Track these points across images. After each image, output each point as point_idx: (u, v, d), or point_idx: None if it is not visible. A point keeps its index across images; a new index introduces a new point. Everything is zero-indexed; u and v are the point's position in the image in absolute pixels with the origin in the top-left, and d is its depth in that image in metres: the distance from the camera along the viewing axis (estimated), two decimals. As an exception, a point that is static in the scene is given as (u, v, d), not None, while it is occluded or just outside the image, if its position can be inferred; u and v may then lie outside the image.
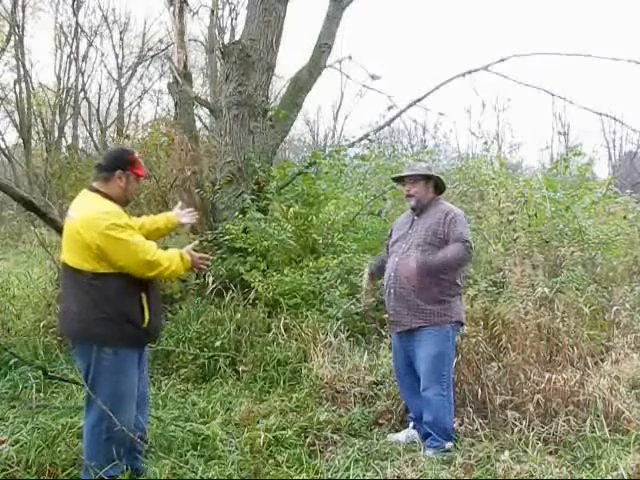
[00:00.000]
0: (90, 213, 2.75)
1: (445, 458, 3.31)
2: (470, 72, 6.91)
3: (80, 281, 2.76)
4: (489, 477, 3.09)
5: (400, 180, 3.85)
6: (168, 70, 19.17)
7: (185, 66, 7.50)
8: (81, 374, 2.95)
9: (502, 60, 6.84)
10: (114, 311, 2.74)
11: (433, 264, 3.44)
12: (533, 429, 3.47)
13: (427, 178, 3.67)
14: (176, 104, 7.40)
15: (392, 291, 3.59)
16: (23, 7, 20.44)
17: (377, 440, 3.57)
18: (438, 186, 3.73)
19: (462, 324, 3.68)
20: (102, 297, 2.72)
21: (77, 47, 22.13)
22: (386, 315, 5.01)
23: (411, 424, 3.65)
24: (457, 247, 3.44)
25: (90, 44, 22.72)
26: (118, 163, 2.91)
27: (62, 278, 2.99)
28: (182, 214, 3.34)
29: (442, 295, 3.51)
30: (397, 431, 3.70)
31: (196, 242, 3.21)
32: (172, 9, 7.57)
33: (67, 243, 2.83)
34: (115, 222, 2.70)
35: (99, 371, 2.77)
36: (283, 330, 4.90)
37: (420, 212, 3.66)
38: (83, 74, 22.36)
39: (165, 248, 2.99)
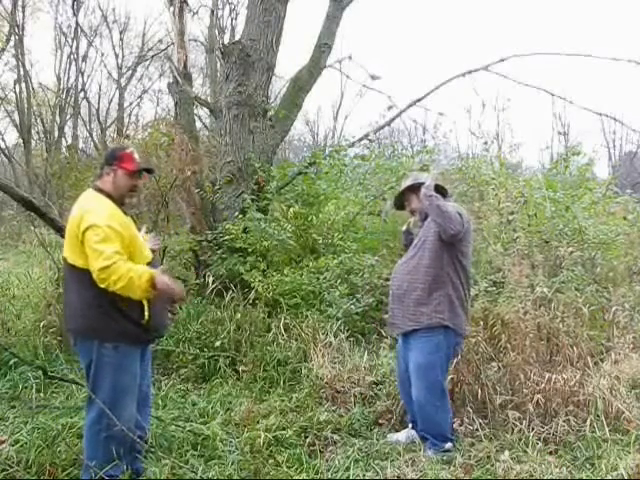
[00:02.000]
0: (82, 211, 2.78)
1: (445, 458, 3.31)
2: (470, 72, 6.91)
3: (79, 277, 2.77)
4: (489, 477, 3.09)
5: (402, 206, 3.87)
6: (168, 70, 19.15)
7: (185, 66, 7.50)
8: (83, 370, 2.96)
9: (502, 60, 6.84)
10: (113, 307, 2.75)
11: (431, 191, 3.45)
12: (533, 429, 3.47)
13: (413, 189, 3.66)
14: (176, 104, 7.40)
15: (391, 292, 3.64)
16: (23, 7, 20.45)
17: (377, 440, 3.57)
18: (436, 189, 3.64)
19: (459, 334, 3.53)
20: (100, 293, 2.72)
21: (77, 47, 22.18)
22: (387, 315, 5.05)
23: (410, 424, 3.66)
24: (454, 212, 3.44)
25: (90, 44, 22.76)
26: (106, 159, 2.98)
27: (64, 274, 3.01)
28: (148, 239, 3.20)
29: (432, 294, 3.43)
30: (397, 431, 3.70)
31: (165, 266, 2.98)
32: (172, 9, 7.57)
33: (67, 240, 2.86)
34: (96, 223, 2.70)
35: (100, 366, 2.78)
36: (283, 330, 4.90)
37: (425, 218, 3.65)
38: (83, 74, 22.40)
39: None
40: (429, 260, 3.46)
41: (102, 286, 2.66)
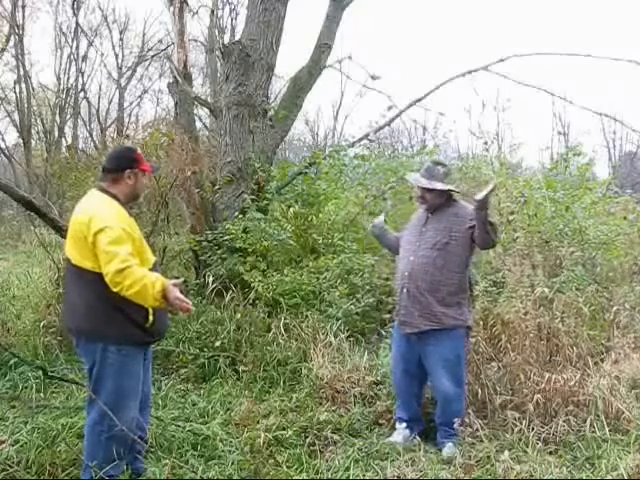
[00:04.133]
0: (92, 212, 2.76)
1: (445, 458, 3.32)
2: (470, 72, 6.90)
3: (84, 279, 2.76)
4: (489, 477, 3.09)
5: None
6: (168, 70, 19.16)
7: (185, 66, 7.50)
8: (85, 370, 2.96)
9: (502, 60, 6.83)
10: (117, 310, 2.74)
11: (489, 215, 3.37)
12: (533, 429, 3.47)
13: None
14: (176, 104, 7.39)
15: (405, 290, 3.54)
16: (23, 7, 20.44)
17: (377, 440, 3.57)
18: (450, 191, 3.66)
19: (470, 329, 3.69)
20: (105, 296, 2.71)
21: (77, 47, 22.16)
22: (387, 315, 5.05)
23: (404, 424, 3.64)
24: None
25: (90, 44, 22.74)
26: (126, 163, 2.93)
27: (66, 275, 3.00)
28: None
29: (454, 297, 3.49)
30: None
31: (181, 280, 2.93)
32: (172, 9, 7.56)
33: (70, 240, 2.85)
34: (109, 225, 2.69)
35: (103, 368, 2.78)
36: (283, 330, 4.89)
37: (434, 210, 3.61)
38: (83, 74, 22.37)
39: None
40: (456, 265, 3.49)
41: (115, 290, 2.64)
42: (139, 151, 3.04)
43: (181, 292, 2.73)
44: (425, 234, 3.57)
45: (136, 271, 2.62)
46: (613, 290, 4.94)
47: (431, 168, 3.62)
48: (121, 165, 2.92)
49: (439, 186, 3.54)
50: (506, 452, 3.21)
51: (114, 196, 2.87)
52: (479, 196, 3.30)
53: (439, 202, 3.59)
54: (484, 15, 41.12)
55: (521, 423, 3.50)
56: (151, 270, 2.87)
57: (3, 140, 21.27)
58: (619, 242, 5.92)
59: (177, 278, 2.92)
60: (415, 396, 3.69)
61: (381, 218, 4.05)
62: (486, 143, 8.39)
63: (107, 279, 2.64)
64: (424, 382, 3.73)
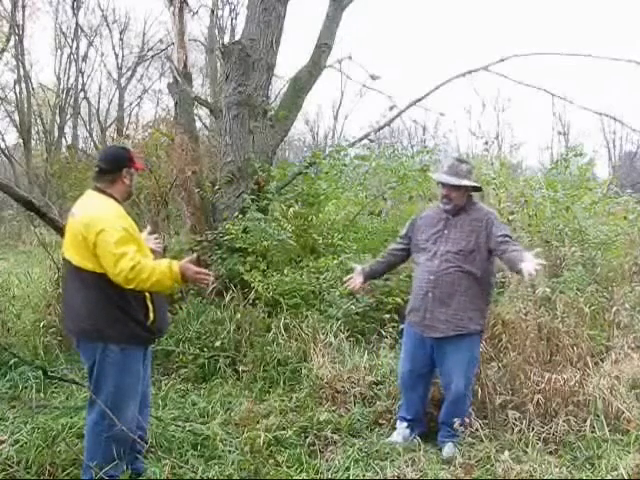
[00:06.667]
0: (92, 213, 2.76)
1: (445, 458, 3.32)
2: (470, 72, 6.90)
3: (84, 280, 2.77)
4: (489, 477, 3.09)
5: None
6: (168, 70, 19.16)
7: (185, 66, 7.49)
8: (85, 370, 2.97)
9: (502, 60, 6.83)
10: (118, 310, 2.75)
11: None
12: (533, 429, 3.47)
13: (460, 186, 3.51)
14: (176, 104, 7.39)
15: (430, 295, 3.48)
16: (23, 7, 20.44)
17: (377, 440, 3.57)
18: (475, 188, 3.62)
19: (483, 332, 3.72)
20: (106, 296, 2.73)
21: (77, 47, 22.20)
22: (387, 315, 5.03)
23: (404, 424, 3.64)
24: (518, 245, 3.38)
25: (90, 44, 22.78)
26: (122, 162, 2.94)
27: (66, 276, 3.00)
28: (148, 239, 3.19)
29: (479, 303, 3.49)
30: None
31: (194, 256, 3.01)
32: (172, 9, 7.56)
33: (69, 242, 2.84)
34: (112, 226, 2.69)
35: (104, 367, 2.78)
36: (283, 330, 4.89)
37: (455, 213, 3.54)
38: (83, 74, 22.42)
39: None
40: (481, 270, 3.45)
41: (129, 286, 2.66)
42: (131, 149, 3.07)
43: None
44: (448, 237, 3.50)
45: (147, 264, 2.68)
46: (613, 290, 4.93)
47: (455, 165, 3.53)
48: (119, 165, 2.92)
49: (466, 182, 3.47)
50: (506, 452, 3.21)
51: (111, 196, 2.88)
52: (527, 273, 3.06)
53: (462, 202, 3.53)
54: (484, 15, 41.18)
55: (521, 423, 3.50)
56: None
57: (3, 140, 21.32)
58: (619, 242, 5.93)
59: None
60: (419, 397, 3.68)
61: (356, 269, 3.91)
62: (486, 143, 8.40)
63: (119, 278, 2.65)
64: (429, 384, 3.73)
